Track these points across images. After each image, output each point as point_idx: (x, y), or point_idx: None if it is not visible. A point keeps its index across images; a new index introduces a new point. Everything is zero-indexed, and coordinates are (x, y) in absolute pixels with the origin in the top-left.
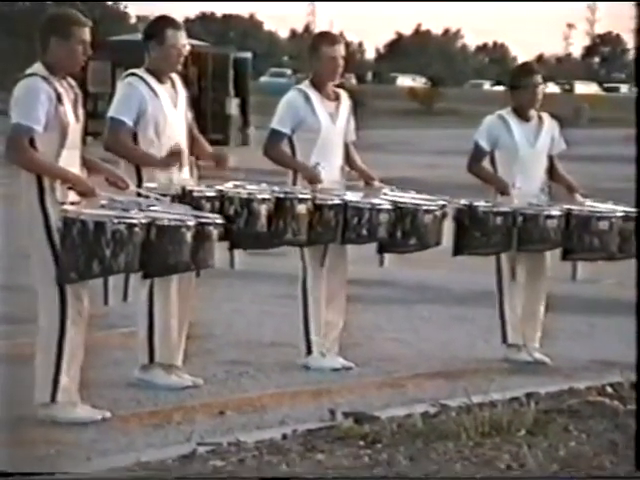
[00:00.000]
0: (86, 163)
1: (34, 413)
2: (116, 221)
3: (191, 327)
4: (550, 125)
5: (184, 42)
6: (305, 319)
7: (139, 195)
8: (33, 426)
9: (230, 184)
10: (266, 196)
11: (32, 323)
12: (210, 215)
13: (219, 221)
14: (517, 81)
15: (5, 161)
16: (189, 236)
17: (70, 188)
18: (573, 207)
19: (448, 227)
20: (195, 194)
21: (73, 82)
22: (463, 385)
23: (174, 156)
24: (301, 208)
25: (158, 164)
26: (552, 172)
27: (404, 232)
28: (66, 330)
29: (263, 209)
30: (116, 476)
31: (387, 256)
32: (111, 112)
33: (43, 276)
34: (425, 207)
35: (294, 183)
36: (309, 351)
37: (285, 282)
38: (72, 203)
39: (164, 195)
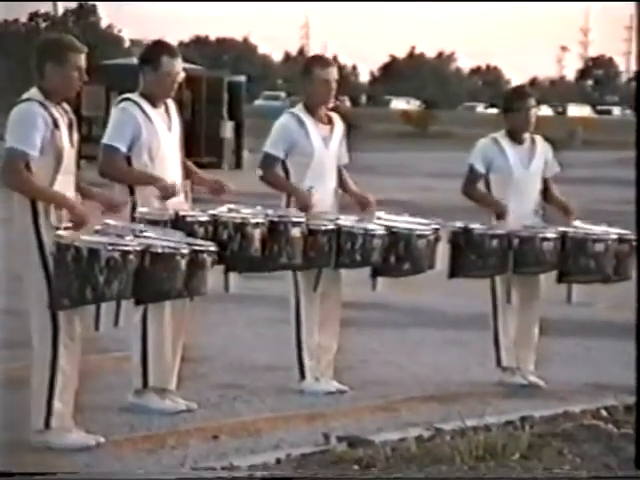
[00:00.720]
0: (80, 189)
1: (27, 439)
2: (110, 248)
3: (185, 351)
4: (543, 148)
5: (179, 69)
6: (298, 344)
7: (134, 220)
8: (28, 451)
9: (224, 208)
10: (260, 220)
11: (22, 347)
12: (204, 243)
13: (213, 249)
14: (511, 104)
15: (1, 184)
16: (183, 264)
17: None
18: (568, 229)
19: (442, 250)
20: (188, 219)
21: (68, 107)
22: (457, 409)
23: (168, 188)
24: (295, 232)
25: (154, 182)
26: (546, 194)
27: (398, 257)
28: (58, 355)
29: (257, 233)
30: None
31: (380, 280)
32: (105, 139)
33: (36, 300)
34: (419, 232)
35: (288, 206)
36: (302, 376)
37: (280, 306)
38: (66, 228)
39: (157, 220)
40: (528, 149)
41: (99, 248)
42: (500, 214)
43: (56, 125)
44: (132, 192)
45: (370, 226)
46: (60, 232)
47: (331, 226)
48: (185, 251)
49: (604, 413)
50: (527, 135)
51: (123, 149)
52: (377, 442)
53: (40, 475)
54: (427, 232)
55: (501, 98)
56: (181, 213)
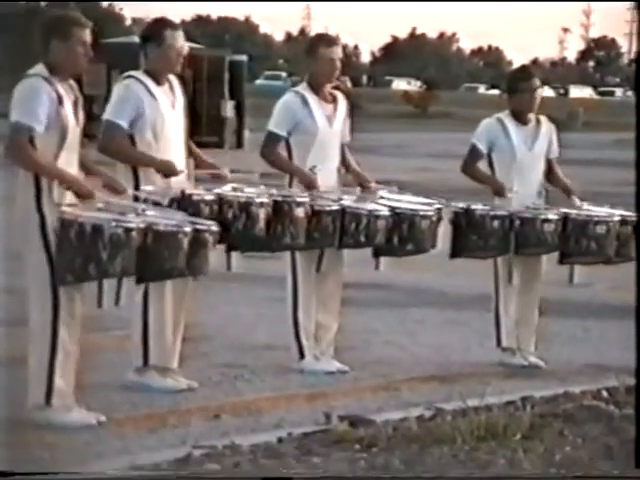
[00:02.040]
0: (83, 166)
1: (28, 415)
2: (114, 224)
3: (186, 330)
4: (548, 129)
5: (182, 43)
6: (295, 323)
7: (136, 199)
8: (28, 428)
9: (228, 187)
10: (264, 200)
11: (20, 326)
12: (206, 222)
13: (215, 228)
14: (515, 85)
15: (4, 160)
16: (185, 242)
17: (68, 189)
18: (570, 211)
19: (444, 230)
20: (194, 198)
21: (74, 84)
22: (458, 389)
23: (170, 168)
24: (299, 212)
25: (156, 165)
26: (550, 176)
27: (401, 237)
28: (58, 332)
29: (261, 213)
30: (115, 477)
31: (383, 259)
32: (107, 114)
33: (36, 277)
34: (422, 212)
35: (290, 185)
36: (302, 355)
37: (281, 285)
38: (69, 205)
39: (162, 198)
40: (532, 130)
41: (102, 224)
42: (498, 192)
43: (61, 101)
44: (135, 170)
45: (374, 207)
46: (64, 208)
47: (335, 207)
48: (188, 229)
49: (605, 394)
50: (532, 116)
51: (124, 125)
52: (378, 422)
53: (40, 475)
54: (430, 212)
55: (504, 79)
56: (187, 192)
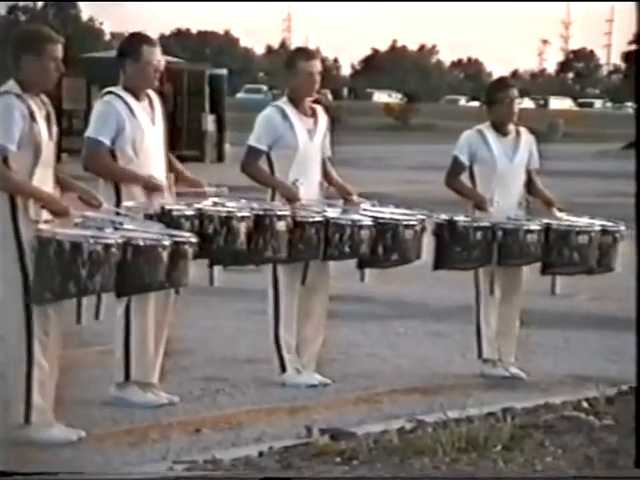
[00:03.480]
0: (59, 181)
1: (8, 433)
2: (92, 241)
3: (167, 344)
4: (528, 140)
5: (160, 58)
6: (276, 337)
7: (117, 213)
8: (7, 447)
9: (209, 201)
10: (245, 214)
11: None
12: (185, 234)
13: (193, 240)
14: (493, 95)
15: None
16: (165, 255)
17: (43, 207)
18: (552, 221)
19: (426, 242)
20: (174, 213)
21: (46, 99)
22: (439, 401)
23: (155, 186)
24: (281, 225)
25: (140, 181)
26: (530, 186)
27: (385, 248)
28: (33, 350)
29: (242, 227)
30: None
31: (367, 271)
32: (89, 132)
33: (10, 295)
34: (405, 222)
35: (272, 199)
36: (283, 369)
37: (261, 298)
38: (46, 221)
39: (142, 215)
40: (512, 141)
41: (81, 241)
42: (480, 206)
43: (33, 118)
44: (117, 185)
45: (357, 217)
46: (41, 226)
47: (319, 218)
48: (167, 243)
49: (585, 404)
50: (512, 127)
51: (107, 142)
52: (359, 434)
53: (40, 475)
54: (414, 222)
55: (484, 90)
56: (167, 207)
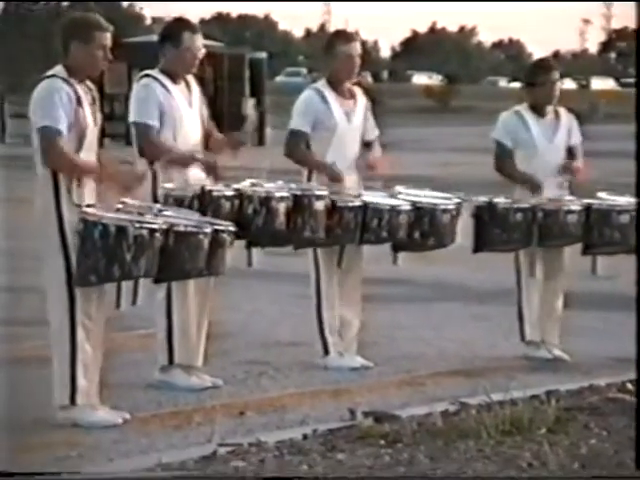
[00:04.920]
0: (101, 166)
1: (53, 416)
2: (138, 225)
3: (210, 327)
4: (567, 119)
5: (200, 45)
6: (319, 320)
7: (155, 195)
8: (53, 428)
9: (247, 183)
10: (284, 194)
11: (46, 325)
12: (223, 222)
13: (232, 228)
14: (534, 78)
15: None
16: (206, 242)
17: (112, 180)
18: (593, 201)
19: (466, 224)
20: (214, 193)
21: (92, 85)
22: (483, 383)
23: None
24: (319, 205)
25: (194, 159)
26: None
27: (422, 232)
28: (76, 333)
29: (281, 207)
30: (135, 477)
31: (401, 254)
32: (135, 117)
33: (53, 278)
34: (443, 206)
35: (309, 180)
36: (326, 351)
37: (304, 282)
38: (88, 205)
39: (182, 195)
40: (552, 122)
41: (127, 225)
42: (534, 190)
43: (80, 103)
44: (152, 165)
45: (395, 202)
46: (86, 209)
47: (357, 202)
48: (208, 230)
49: (629, 386)
50: (550, 108)
51: (157, 124)
52: (403, 417)
53: (40, 475)
54: (451, 206)
55: (524, 72)
56: (207, 188)
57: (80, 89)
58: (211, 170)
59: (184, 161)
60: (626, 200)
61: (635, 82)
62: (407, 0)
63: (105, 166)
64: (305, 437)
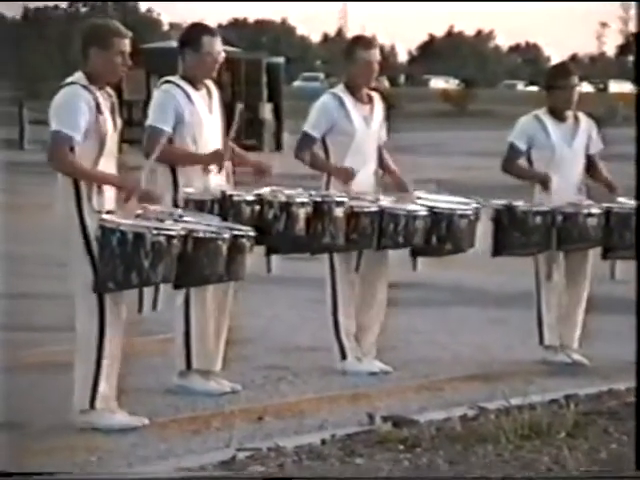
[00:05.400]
0: (121, 172)
1: (72, 420)
2: (155, 232)
3: (228, 332)
4: (587, 124)
5: (220, 49)
6: (335, 325)
7: (176, 201)
8: (72, 433)
9: (267, 189)
10: (305, 200)
11: (66, 331)
12: (243, 227)
13: (252, 233)
14: (554, 82)
15: (48, 168)
16: (224, 248)
17: (118, 188)
18: (613, 205)
19: (484, 228)
20: (235, 198)
21: (111, 91)
22: (501, 387)
23: (217, 155)
24: (339, 211)
25: (203, 160)
26: (592, 171)
27: (439, 237)
28: (105, 334)
29: (302, 213)
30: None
31: (420, 259)
32: (150, 120)
33: (80, 284)
34: (460, 212)
35: (327, 187)
36: (344, 356)
37: (322, 287)
38: (108, 212)
39: (203, 200)
40: (571, 126)
41: (144, 232)
42: (544, 184)
43: (99, 109)
44: (174, 172)
45: (412, 207)
46: (104, 216)
47: (374, 208)
48: (226, 236)
49: None
50: (570, 112)
51: (168, 129)
52: (422, 422)
53: (38, 475)
54: (468, 212)
55: (543, 75)
56: (228, 192)
57: (100, 96)
58: (218, 160)
59: (189, 163)
60: None
61: (635, 83)
62: (424, 0)
63: (111, 175)
64: (324, 442)
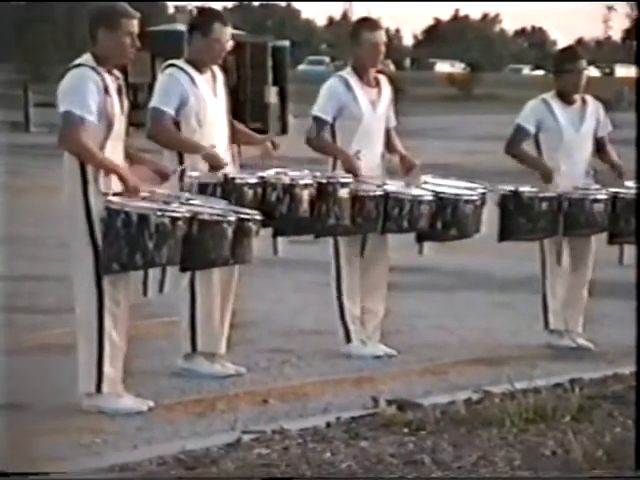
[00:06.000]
0: (129, 155)
1: (78, 403)
2: (160, 214)
3: (233, 316)
4: (594, 107)
5: (228, 38)
6: (340, 308)
7: (182, 185)
8: (78, 415)
9: (272, 171)
10: (308, 181)
11: (69, 313)
12: (249, 211)
13: (258, 217)
14: (562, 65)
15: (54, 150)
16: (230, 231)
17: (120, 179)
18: (619, 190)
19: (491, 213)
20: (237, 181)
21: (119, 74)
22: (506, 371)
23: (215, 159)
24: (343, 192)
25: (203, 153)
26: (601, 154)
27: (444, 223)
28: (104, 320)
29: (305, 194)
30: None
31: (426, 244)
32: (153, 102)
33: (81, 266)
34: (466, 197)
35: (334, 170)
36: (348, 339)
37: (326, 270)
38: (115, 194)
39: (207, 183)
40: (579, 110)
41: (149, 214)
42: (545, 177)
43: (107, 91)
44: (181, 157)
45: (417, 192)
46: (110, 197)
47: (379, 192)
48: (232, 219)
49: None
50: (577, 96)
51: (171, 112)
52: (426, 405)
53: (35, 475)
54: (474, 197)
55: (548, 59)
56: (230, 175)
57: (108, 78)
58: (216, 165)
59: (190, 151)
60: None
61: (635, 77)
62: None
63: (131, 158)
64: (328, 425)
